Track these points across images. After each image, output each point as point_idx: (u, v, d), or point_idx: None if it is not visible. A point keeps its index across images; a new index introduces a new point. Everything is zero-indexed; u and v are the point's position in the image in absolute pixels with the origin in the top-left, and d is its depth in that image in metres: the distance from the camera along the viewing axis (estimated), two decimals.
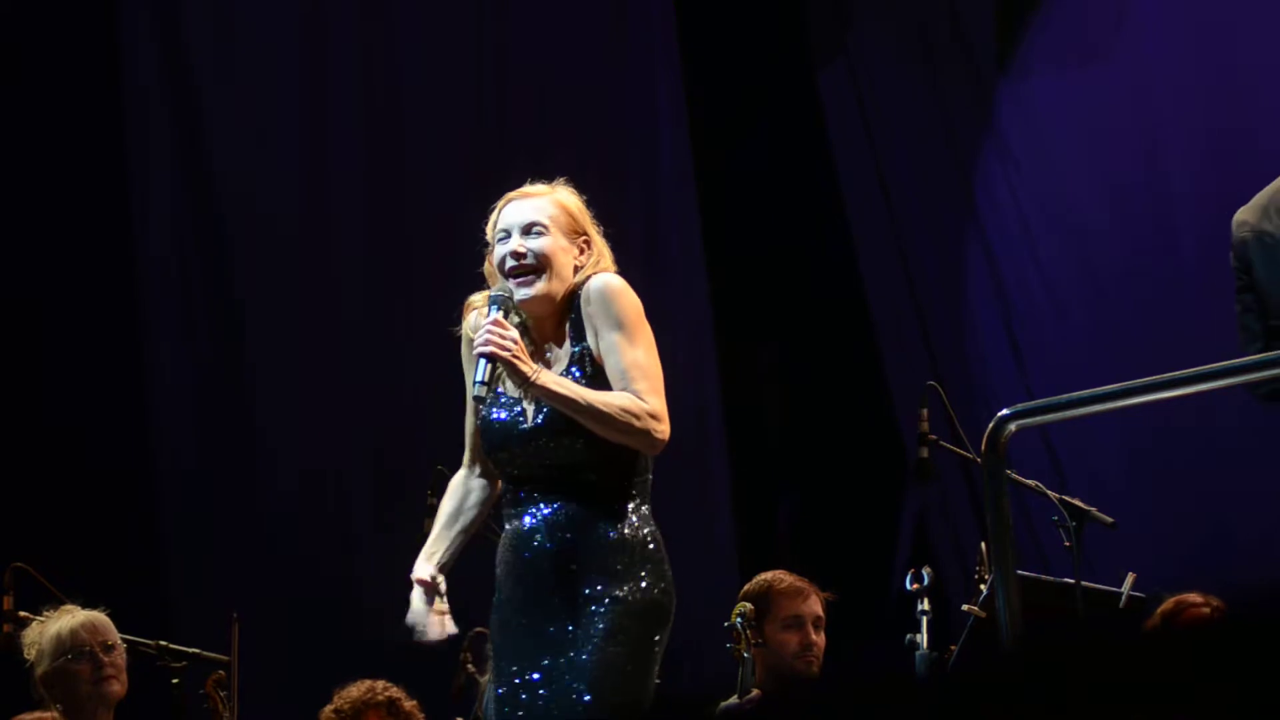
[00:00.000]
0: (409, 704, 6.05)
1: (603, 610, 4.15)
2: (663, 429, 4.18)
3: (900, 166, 9.05)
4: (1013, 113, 8.84)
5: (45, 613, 5.73)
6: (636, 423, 4.15)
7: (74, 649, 5.58)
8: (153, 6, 8.45)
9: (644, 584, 4.19)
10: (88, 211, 8.22)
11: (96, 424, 8.05)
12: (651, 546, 4.23)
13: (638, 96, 9.06)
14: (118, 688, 5.63)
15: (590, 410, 4.15)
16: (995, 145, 8.88)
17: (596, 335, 4.23)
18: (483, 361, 4.18)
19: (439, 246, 8.22)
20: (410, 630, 4.37)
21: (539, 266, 4.27)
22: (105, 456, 8.02)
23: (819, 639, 6.10)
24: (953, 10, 8.97)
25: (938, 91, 8.97)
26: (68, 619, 5.64)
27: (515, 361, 4.16)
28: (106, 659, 5.61)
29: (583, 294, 4.26)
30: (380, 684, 6.04)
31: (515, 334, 4.20)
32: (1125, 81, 8.57)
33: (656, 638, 4.20)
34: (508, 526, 4.31)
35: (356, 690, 6.02)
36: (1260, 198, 4.82)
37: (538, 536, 4.22)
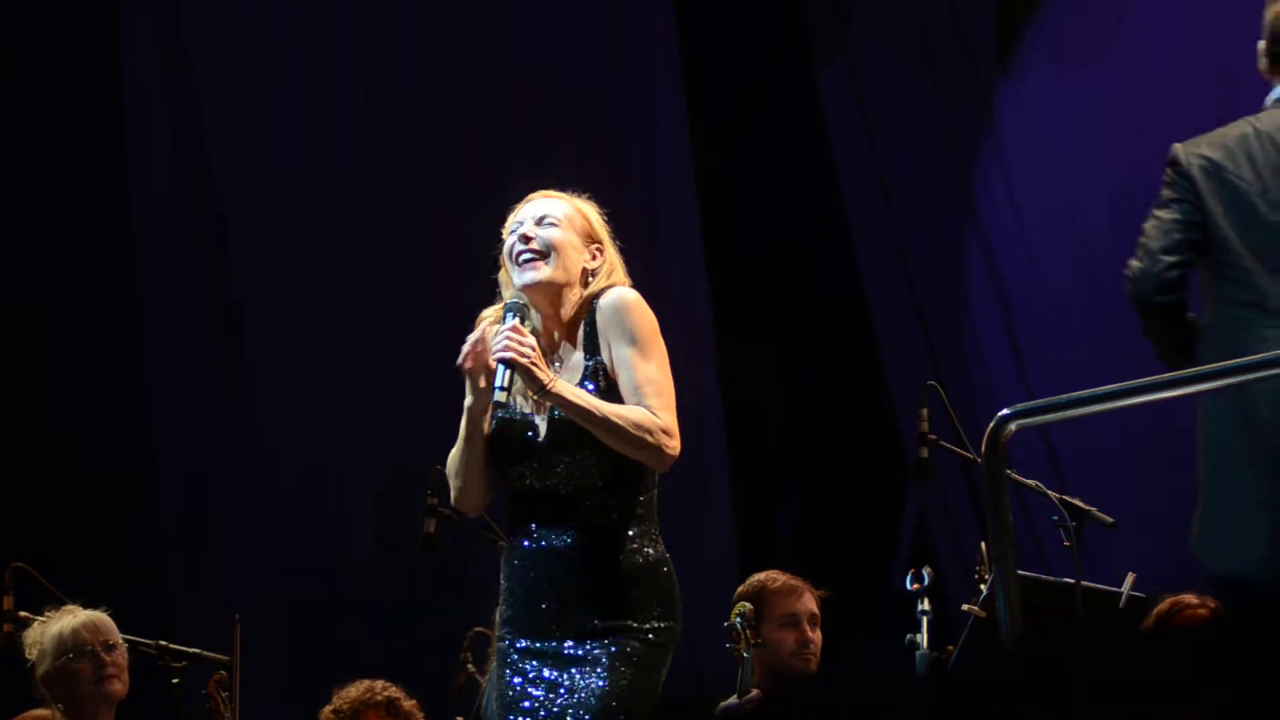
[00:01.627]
0: (408, 704, 6.05)
1: (615, 637, 4.15)
2: (674, 445, 4.18)
3: (900, 166, 9.05)
4: (1012, 113, 8.84)
5: (47, 612, 5.73)
6: (649, 438, 4.15)
7: (76, 648, 5.58)
8: (153, 6, 8.45)
9: (657, 614, 4.19)
10: (88, 212, 8.22)
11: (96, 424, 8.04)
12: (665, 573, 4.23)
13: (638, 96, 9.06)
14: (119, 687, 5.63)
15: (605, 422, 4.14)
16: (995, 145, 8.88)
17: (610, 348, 4.23)
18: (501, 368, 4.17)
19: (439, 246, 8.23)
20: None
21: (544, 252, 4.27)
22: (105, 456, 8.02)
23: (815, 636, 6.11)
24: (952, 10, 8.97)
25: (937, 91, 8.97)
26: (69, 619, 5.64)
27: (533, 368, 4.15)
28: (108, 658, 5.61)
29: (598, 306, 4.26)
30: (379, 684, 6.04)
31: (533, 340, 4.19)
32: (1125, 81, 8.57)
33: (663, 668, 4.21)
34: (516, 547, 4.28)
35: (355, 690, 6.02)
36: (1221, 138, 4.71)
37: (548, 560, 4.20)
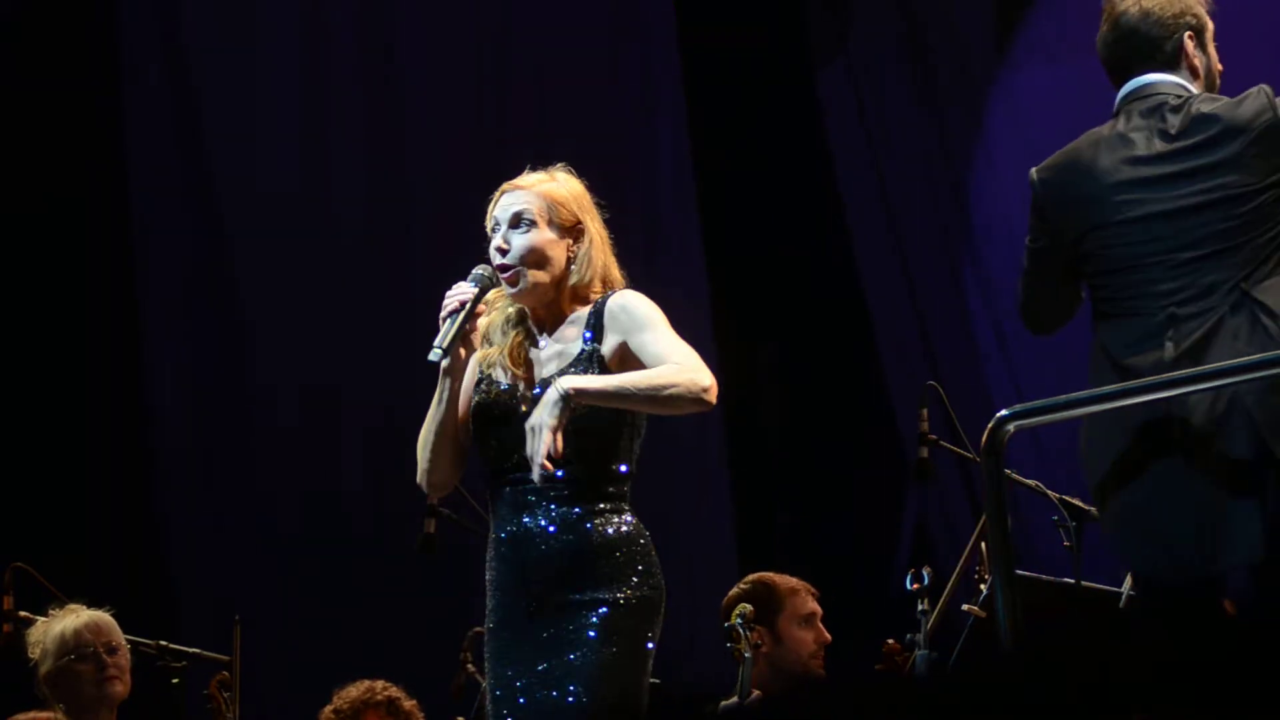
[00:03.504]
0: (408, 704, 6.06)
1: (597, 612, 4.17)
2: (708, 381, 4.15)
3: (900, 166, 9.05)
4: (1009, 112, 8.84)
5: (50, 612, 5.73)
6: (680, 387, 4.12)
7: (77, 649, 5.58)
8: (153, 6, 8.45)
9: (635, 582, 4.20)
10: (87, 211, 8.22)
11: (96, 423, 8.04)
12: (641, 544, 4.24)
13: (638, 96, 9.06)
14: (121, 688, 5.62)
15: (636, 392, 4.12)
16: (993, 145, 8.87)
17: (624, 343, 4.24)
18: (446, 326, 4.22)
19: (439, 246, 8.23)
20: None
21: (521, 263, 4.29)
22: (105, 456, 8.02)
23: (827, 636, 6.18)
24: (951, 11, 8.97)
25: (937, 92, 8.98)
26: (72, 619, 5.64)
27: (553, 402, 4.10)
28: (110, 659, 5.60)
29: (608, 308, 4.28)
30: (379, 684, 6.05)
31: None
32: None
33: (650, 634, 4.21)
34: (496, 531, 4.30)
35: (355, 690, 6.02)
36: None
37: (527, 543, 4.23)
